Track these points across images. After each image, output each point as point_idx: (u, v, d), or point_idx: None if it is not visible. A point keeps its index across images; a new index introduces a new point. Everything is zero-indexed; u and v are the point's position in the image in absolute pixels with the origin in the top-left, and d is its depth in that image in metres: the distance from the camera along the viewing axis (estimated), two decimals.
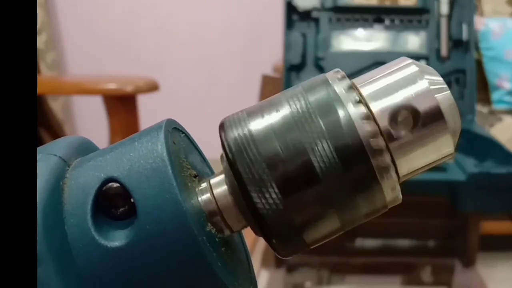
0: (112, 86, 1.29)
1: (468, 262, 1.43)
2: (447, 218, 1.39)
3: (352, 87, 0.20)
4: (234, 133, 0.20)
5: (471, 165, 1.13)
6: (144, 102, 1.41)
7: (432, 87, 0.20)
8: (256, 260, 1.40)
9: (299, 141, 0.20)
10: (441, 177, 1.12)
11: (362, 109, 0.20)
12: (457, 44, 1.37)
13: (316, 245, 0.21)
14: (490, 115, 1.73)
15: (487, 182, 1.10)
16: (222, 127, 0.21)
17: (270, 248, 0.21)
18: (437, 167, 1.16)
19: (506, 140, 1.42)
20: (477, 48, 1.71)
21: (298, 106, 0.20)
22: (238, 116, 0.21)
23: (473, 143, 1.18)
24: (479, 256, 1.44)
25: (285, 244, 0.21)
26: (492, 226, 1.53)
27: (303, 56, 1.37)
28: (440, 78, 0.21)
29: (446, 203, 1.22)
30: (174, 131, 0.22)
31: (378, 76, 0.21)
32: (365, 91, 0.20)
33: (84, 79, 1.63)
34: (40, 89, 1.31)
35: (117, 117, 1.28)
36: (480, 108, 1.71)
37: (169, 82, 1.94)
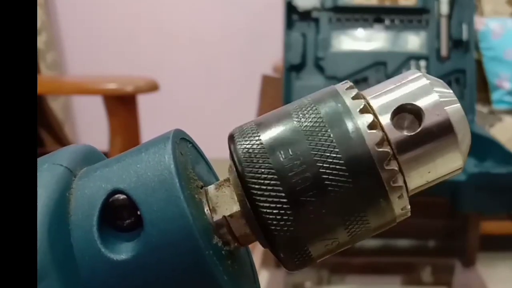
0: (112, 86, 1.29)
1: (468, 262, 1.43)
2: (447, 218, 1.39)
3: (362, 100, 0.20)
4: (243, 145, 0.20)
5: (471, 165, 1.13)
6: (144, 102, 1.41)
7: (442, 99, 0.20)
8: (256, 260, 1.40)
9: (308, 153, 0.19)
10: None
11: (371, 121, 0.20)
12: (457, 44, 1.37)
13: (323, 258, 0.21)
14: (490, 115, 1.73)
15: (487, 182, 1.10)
16: (231, 138, 0.21)
17: None
18: None
19: (506, 140, 1.42)
20: (477, 48, 1.71)
21: (307, 118, 0.20)
22: (247, 128, 0.21)
23: (473, 143, 1.17)
24: (479, 256, 1.44)
25: (293, 258, 0.20)
26: (492, 226, 1.53)
27: (303, 56, 1.37)
28: (450, 91, 0.20)
29: (446, 203, 1.22)
30: (182, 141, 0.22)
31: (388, 88, 0.21)
32: (375, 103, 0.20)
33: (84, 79, 1.63)
34: (40, 89, 1.31)
35: (117, 117, 1.28)
36: (480, 108, 1.71)
37: (169, 82, 1.94)
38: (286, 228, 0.19)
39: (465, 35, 1.37)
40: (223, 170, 0.22)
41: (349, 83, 0.21)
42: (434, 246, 1.48)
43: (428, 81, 0.20)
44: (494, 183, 1.10)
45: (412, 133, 0.20)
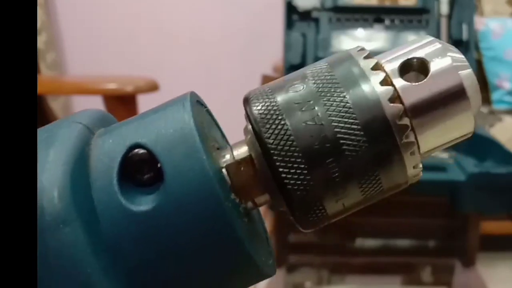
0: (112, 86, 1.29)
1: (468, 262, 1.43)
2: (447, 218, 1.39)
3: (377, 63, 0.21)
4: (260, 105, 0.21)
5: (471, 165, 1.13)
6: (144, 102, 1.41)
7: (455, 63, 0.20)
8: None
9: (324, 114, 0.20)
10: (441, 177, 1.12)
11: (383, 78, 0.20)
12: (457, 44, 1.37)
13: (338, 218, 0.21)
14: (490, 115, 1.73)
15: (487, 182, 1.10)
16: (246, 100, 0.21)
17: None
18: (437, 167, 1.16)
19: (506, 140, 1.42)
20: (477, 48, 1.71)
21: (324, 80, 0.20)
22: (263, 90, 0.21)
23: (473, 143, 1.17)
24: (479, 256, 1.44)
25: (308, 216, 0.21)
26: (492, 226, 1.53)
27: (303, 56, 1.37)
28: (462, 56, 0.21)
29: (446, 203, 1.22)
30: (197, 104, 0.22)
31: (402, 53, 0.21)
32: (389, 67, 0.21)
33: (84, 79, 1.63)
34: (40, 89, 1.31)
35: (117, 117, 1.28)
36: (480, 108, 1.70)
37: (169, 82, 1.94)
38: (302, 187, 0.20)
39: (465, 35, 1.36)
40: None
41: (363, 48, 0.21)
42: (434, 246, 1.47)
43: (441, 45, 0.21)
44: (494, 183, 1.10)
45: (419, 82, 0.20)
